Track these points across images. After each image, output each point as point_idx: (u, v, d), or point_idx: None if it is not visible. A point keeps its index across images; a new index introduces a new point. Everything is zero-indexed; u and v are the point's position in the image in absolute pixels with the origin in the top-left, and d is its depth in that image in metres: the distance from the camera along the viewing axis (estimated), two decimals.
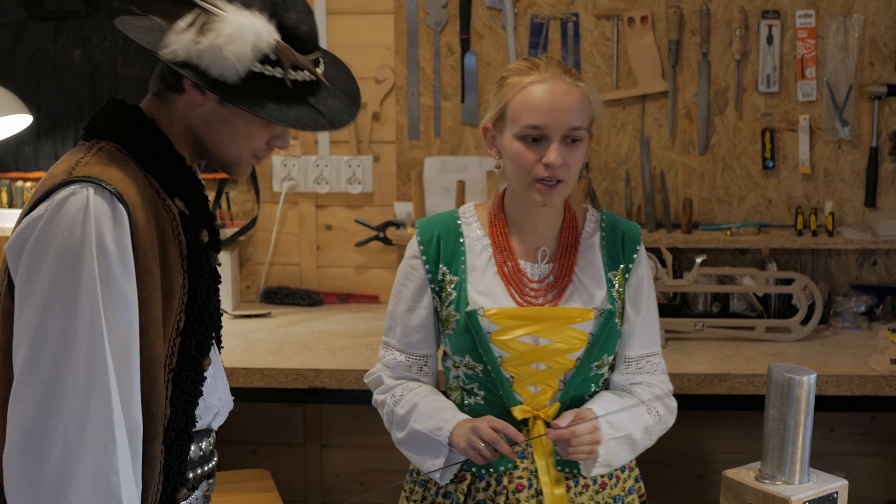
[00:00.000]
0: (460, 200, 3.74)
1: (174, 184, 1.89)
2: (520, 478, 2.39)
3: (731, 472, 2.22)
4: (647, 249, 3.37)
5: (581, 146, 2.31)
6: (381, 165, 3.85)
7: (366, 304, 3.89)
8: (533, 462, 2.39)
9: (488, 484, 2.40)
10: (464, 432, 2.30)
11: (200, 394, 1.94)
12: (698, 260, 3.38)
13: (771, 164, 3.70)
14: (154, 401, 1.85)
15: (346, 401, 3.38)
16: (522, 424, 2.38)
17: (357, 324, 3.67)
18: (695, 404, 3.18)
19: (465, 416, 2.35)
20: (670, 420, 2.48)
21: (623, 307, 2.43)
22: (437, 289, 2.42)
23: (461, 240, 2.42)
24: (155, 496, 1.89)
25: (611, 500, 2.43)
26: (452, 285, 2.39)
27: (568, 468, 2.39)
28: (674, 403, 2.49)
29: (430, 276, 2.42)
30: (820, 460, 2.17)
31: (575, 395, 2.40)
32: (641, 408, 2.41)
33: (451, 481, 2.42)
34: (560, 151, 2.27)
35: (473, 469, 2.40)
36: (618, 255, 2.43)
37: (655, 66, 3.69)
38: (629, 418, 2.37)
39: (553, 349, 2.35)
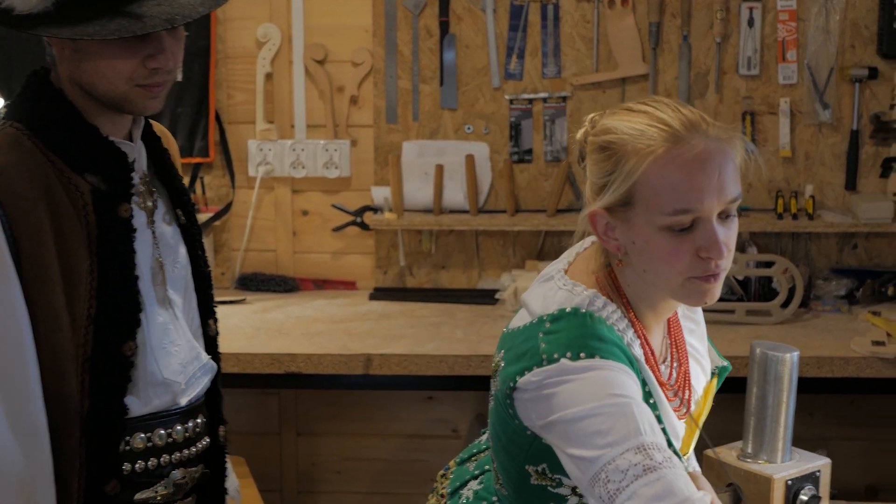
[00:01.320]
0: (438, 184, 3.70)
1: (85, 158, 1.81)
2: None
3: (712, 452, 2.19)
4: None
5: (736, 219, 1.77)
6: (358, 149, 3.80)
7: (342, 290, 3.84)
8: None
9: None
10: None
11: (127, 380, 1.84)
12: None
13: (751, 148, 3.66)
14: (64, 393, 1.77)
15: (323, 386, 3.34)
16: None
17: (333, 309, 3.62)
18: None
19: None
20: None
21: None
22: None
23: (637, 366, 1.79)
24: (78, 492, 1.80)
25: None
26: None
27: None
28: None
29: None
30: (800, 444, 2.14)
31: None
32: None
33: None
34: (720, 232, 1.72)
35: None
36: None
37: (636, 48, 3.66)
38: None
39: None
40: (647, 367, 1.81)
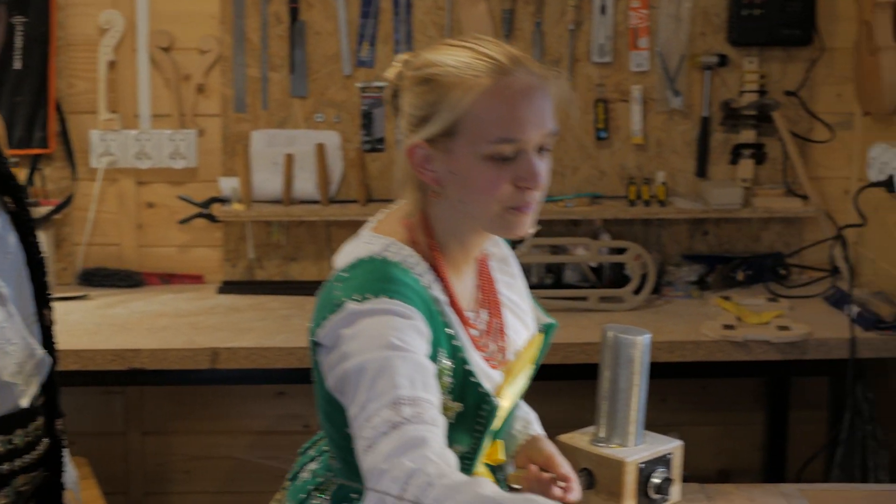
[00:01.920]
0: (288, 174, 3.61)
1: None
2: None
3: (565, 437, 2.18)
4: None
5: (550, 156, 1.81)
6: (205, 139, 3.68)
7: (189, 284, 3.72)
8: None
9: None
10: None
11: None
12: (531, 231, 3.32)
13: (604, 135, 3.67)
14: None
15: (169, 382, 3.23)
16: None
17: (180, 304, 3.50)
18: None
19: None
20: None
21: None
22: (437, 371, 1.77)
23: (436, 307, 1.79)
24: None
25: None
26: (449, 373, 1.79)
27: None
28: None
29: (431, 352, 1.75)
30: (654, 430, 2.17)
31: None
32: None
33: None
34: (538, 165, 1.76)
35: None
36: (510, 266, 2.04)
37: (489, 35, 3.61)
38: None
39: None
40: (450, 310, 1.82)
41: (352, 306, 1.69)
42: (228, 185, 3.65)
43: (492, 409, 1.82)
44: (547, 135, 1.76)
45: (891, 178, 3.23)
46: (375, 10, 3.60)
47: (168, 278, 3.73)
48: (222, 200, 3.66)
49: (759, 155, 3.70)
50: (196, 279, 3.73)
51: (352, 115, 3.66)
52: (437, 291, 1.80)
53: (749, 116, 3.64)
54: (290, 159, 3.61)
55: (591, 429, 2.17)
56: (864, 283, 3.60)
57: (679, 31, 3.62)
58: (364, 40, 3.62)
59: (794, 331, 3.17)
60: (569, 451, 2.10)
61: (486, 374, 1.85)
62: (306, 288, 3.55)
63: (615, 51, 3.64)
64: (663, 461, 2.11)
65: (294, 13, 3.60)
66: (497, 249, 2.00)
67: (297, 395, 3.79)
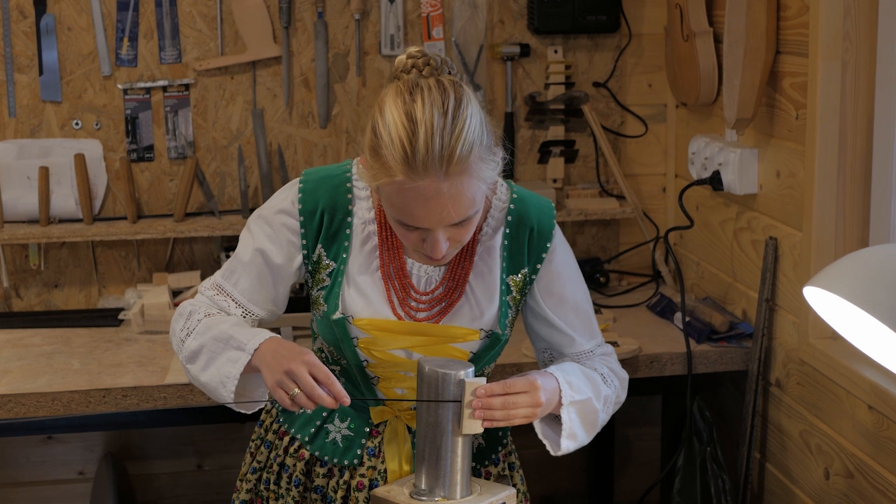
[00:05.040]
0: (44, 190, 3.16)
1: None
2: (362, 476, 2.06)
3: (380, 491, 1.93)
4: None
5: (474, 219, 1.91)
6: None
7: None
8: (384, 461, 2.05)
9: (329, 471, 2.08)
10: (276, 362, 1.84)
11: None
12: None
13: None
14: None
15: None
16: (379, 426, 2.09)
17: None
18: None
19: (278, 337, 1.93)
20: (623, 394, 2.15)
21: (522, 310, 2.12)
22: (309, 267, 2.04)
23: (349, 219, 2.01)
24: None
25: None
26: (328, 271, 2.02)
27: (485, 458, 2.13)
28: (625, 374, 2.17)
29: (304, 251, 2.03)
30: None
31: None
32: (596, 374, 2.08)
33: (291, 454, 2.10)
34: (445, 234, 1.88)
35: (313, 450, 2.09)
36: (521, 258, 2.05)
37: (266, 28, 3.24)
38: (586, 382, 2.03)
39: None
40: (373, 229, 2.00)
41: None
42: None
43: (339, 325, 1.97)
44: (456, 223, 1.85)
45: (716, 174, 2.95)
46: (135, 1, 3.18)
47: None
48: None
49: (569, 152, 3.40)
50: None
51: (114, 121, 3.25)
52: (368, 220, 2.00)
53: (557, 111, 3.34)
54: (45, 173, 3.18)
55: (410, 479, 1.95)
56: (688, 287, 3.33)
57: (476, 18, 3.29)
58: (124, 36, 3.20)
59: (622, 346, 2.87)
60: None
61: (367, 299, 1.99)
62: (72, 318, 3.21)
63: (407, 42, 3.30)
64: None
65: (40, 7, 3.16)
66: (490, 242, 2.04)
67: (69, 439, 3.40)
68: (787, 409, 2.78)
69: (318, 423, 2.09)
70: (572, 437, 1.99)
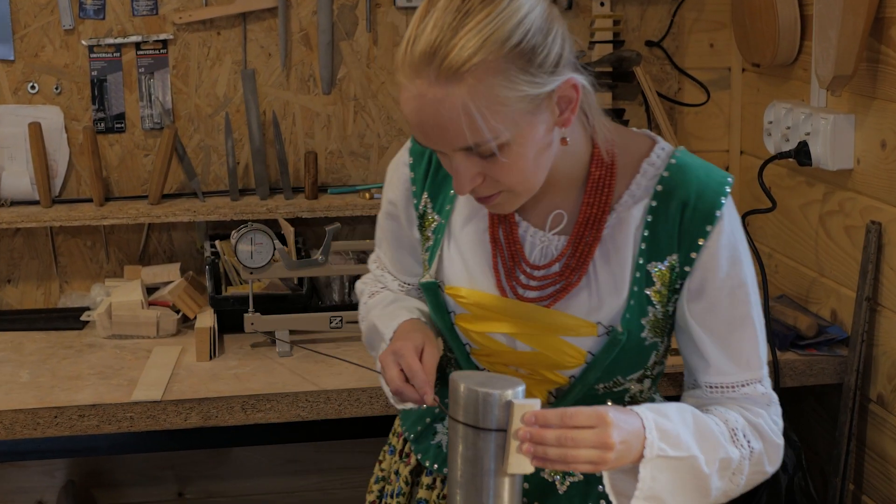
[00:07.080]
0: None
1: None
2: None
3: None
4: (261, 222, 2.66)
5: (508, 153, 1.55)
6: None
7: None
8: None
9: (434, 481, 1.85)
10: (396, 344, 1.70)
11: None
12: (328, 228, 2.67)
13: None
14: None
15: None
16: None
17: None
18: (338, 432, 2.52)
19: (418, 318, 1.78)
20: (769, 466, 1.67)
21: (670, 313, 1.69)
22: (419, 218, 1.83)
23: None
24: None
25: None
26: (433, 227, 1.81)
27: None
28: (780, 441, 1.69)
29: (414, 200, 1.83)
30: None
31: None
32: (721, 427, 1.63)
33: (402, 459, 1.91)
34: (471, 166, 1.56)
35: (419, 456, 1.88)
36: (669, 241, 1.65)
37: None
38: (694, 431, 1.58)
39: (534, 358, 1.70)
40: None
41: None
42: None
43: (430, 292, 1.76)
44: (459, 149, 1.55)
45: (802, 146, 2.56)
46: None
47: None
48: None
49: (618, 124, 3.00)
50: None
51: (78, 85, 2.90)
52: None
53: (603, 74, 2.98)
54: None
55: None
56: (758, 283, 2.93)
57: None
58: None
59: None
60: None
61: (466, 265, 1.74)
62: (26, 320, 2.89)
63: None
64: None
65: None
66: (627, 213, 1.66)
67: (28, 464, 3.06)
68: (892, 431, 2.45)
69: (428, 419, 1.87)
70: (653, 500, 1.53)
